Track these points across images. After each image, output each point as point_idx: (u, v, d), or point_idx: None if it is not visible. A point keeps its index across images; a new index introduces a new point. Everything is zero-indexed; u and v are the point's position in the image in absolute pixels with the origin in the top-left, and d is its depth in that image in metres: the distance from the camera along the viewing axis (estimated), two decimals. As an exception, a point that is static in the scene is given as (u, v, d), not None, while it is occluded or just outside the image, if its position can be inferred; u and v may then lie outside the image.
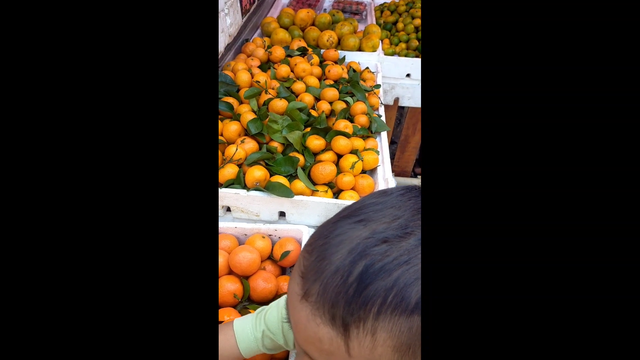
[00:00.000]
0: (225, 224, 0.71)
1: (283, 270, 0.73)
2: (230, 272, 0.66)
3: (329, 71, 1.09)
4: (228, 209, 0.79)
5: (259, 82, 0.95)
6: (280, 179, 0.75)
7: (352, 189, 0.80)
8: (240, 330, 0.43)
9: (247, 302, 0.63)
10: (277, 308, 0.45)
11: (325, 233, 0.25)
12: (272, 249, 0.72)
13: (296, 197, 0.73)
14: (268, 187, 0.73)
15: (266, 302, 0.63)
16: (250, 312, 0.59)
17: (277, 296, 0.65)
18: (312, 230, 0.74)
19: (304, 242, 0.70)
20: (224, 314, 0.57)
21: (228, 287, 0.61)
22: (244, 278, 0.64)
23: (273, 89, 0.96)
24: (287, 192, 0.72)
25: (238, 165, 0.78)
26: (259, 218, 0.78)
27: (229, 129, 0.83)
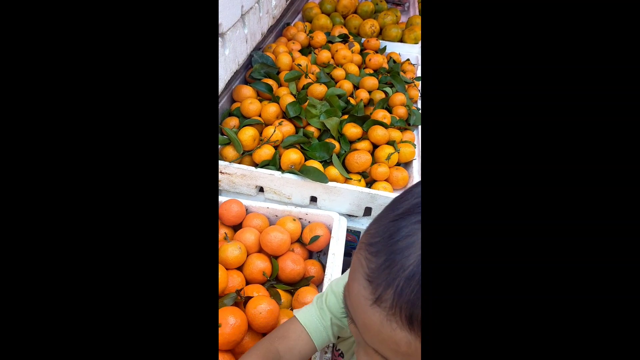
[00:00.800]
0: (257, 204, 0.72)
1: (310, 254, 0.73)
2: (260, 250, 0.66)
3: (369, 60, 1.07)
4: (261, 189, 0.80)
5: (300, 65, 0.95)
6: (315, 164, 0.75)
7: (386, 180, 0.79)
8: (309, 323, 0.43)
9: (275, 281, 0.64)
10: (333, 294, 0.44)
11: (388, 232, 0.24)
12: (301, 233, 0.72)
13: (330, 183, 0.73)
14: (303, 171, 0.73)
15: (293, 283, 0.64)
16: (277, 291, 0.59)
17: (304, 278, 0.65)
18: (342, 218, 0.73)
19: (334, 229, 0.70)
20: (253, 289, 0.58)
21: (258, 264, 0.62)
22: (274, 257, 0.65)
23: (313, 73, 0.96)
24: (321, 177, 0.72)
25: (274, 146, 0.78)
26: (291, 201, 0.78)
27: (267, 110, 0.83)
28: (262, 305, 0.51)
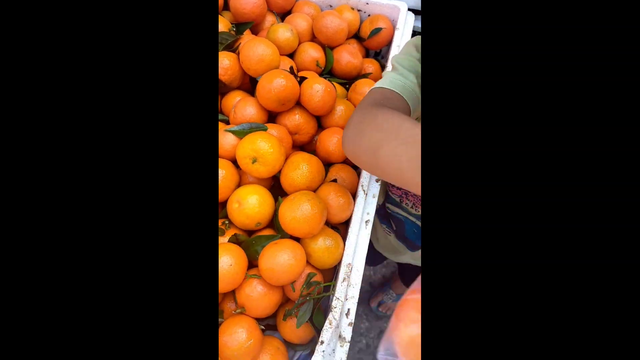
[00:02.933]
0: (309, -13, 0.60)
1: (367, 53, 0.64)
2: (314, 39, 0.58)
3: None
4: (312, -27, 0.66)
5: None
6: None
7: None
8: (398, 87, 0.37)
9: (328, 75, 0.58)
10: (414, 47, 0.40)
11: None
12: (359, 27, 0.62)
13: (401, -40, 0.57)
14: (368, -60, 0.57)
15: (349, 78, 0.58)
16: (332, 83, 0.54)
17: (361, 74, 0.58)
18: (409, 13, 0.61)
19: (399, 23, 0.59)
20: (306, 74, 0.53)
21: (310, 53, 0.55)
22: (329, 48, 0.57)
23: None
24: (392, -53, 0.56)
25: None
26: (348, -11, 0.65)
27: None
28: (318, 85, 0.47)
